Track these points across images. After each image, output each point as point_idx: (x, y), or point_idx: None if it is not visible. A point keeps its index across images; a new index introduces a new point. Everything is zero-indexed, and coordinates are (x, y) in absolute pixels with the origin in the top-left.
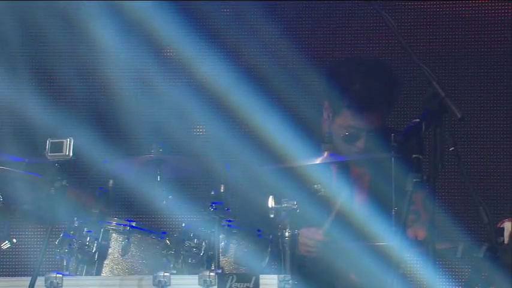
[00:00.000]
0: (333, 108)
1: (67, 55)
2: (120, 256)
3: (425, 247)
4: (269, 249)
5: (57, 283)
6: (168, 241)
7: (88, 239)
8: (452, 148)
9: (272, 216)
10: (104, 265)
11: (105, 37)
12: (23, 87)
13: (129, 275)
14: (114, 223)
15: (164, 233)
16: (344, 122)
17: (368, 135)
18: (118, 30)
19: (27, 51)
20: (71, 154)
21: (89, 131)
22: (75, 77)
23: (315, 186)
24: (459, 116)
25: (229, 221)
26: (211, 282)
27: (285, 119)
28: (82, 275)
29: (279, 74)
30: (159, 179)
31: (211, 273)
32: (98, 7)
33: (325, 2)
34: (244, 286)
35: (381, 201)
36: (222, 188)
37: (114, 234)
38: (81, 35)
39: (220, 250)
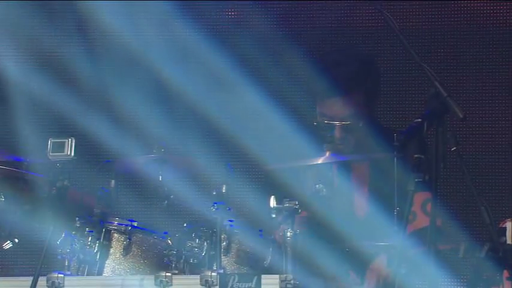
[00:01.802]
0: (314, 101)
1: (68, 55)
2: (121, 256)
3: (427, 247)
4: (271, 249)
5: (59, 283)
6: (169, 241)
7: (90, 239)
8: (454, 148)
9: (274, 216)
10: (106, 265)
11: (107, 37)
12: (24, 87)
13: (130, 275)
14: (115, 223)
15: (166, 233)
16: (319, 111)
17: (344, 124)
18: (120, 30)
19: (29, 51)
20: (73, 154)
21: (91, 130)
22: (76, 77)
23: (317, 186)
24: (461, 116)
25: (231, 220)
26: (213, 282)
27: (287, 118)
28: (84, 275)
29: (280, 73)
30: (160, 179)
31: (213, 273)
32: (99, 7)
33: (327, 1)
34: (246, 286)
35: (382, 201)
36: (224, 188)
37: (115, 234)
38: (82, 35)
39: (222, 250)
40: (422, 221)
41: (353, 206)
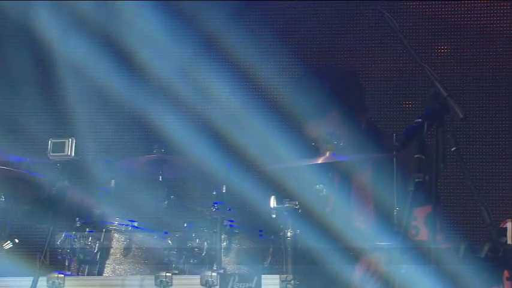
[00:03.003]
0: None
1: (68, 55)
2: (122, 256)
3: (427, 247)
4: (271, 249)
5: (59, 283)
6: (170, 241)
7: (90, 239)
8: (454, 148)
9: (274, 216)
10: (106, 265)
11: (105, 37)
12: (24, 87)
13: (131, 275)
14: (115, 223)
15: (166, 233)
16: (304, 133)
17: (331, 143)
18: (119, 29)
19: (28, 52)
20: (73, 154)
21: (91, 131)
22: (77, 77)
23: (317, 186)
24: (461, 116)
25: (231, 221)
26: (213, 282)
27: (288, 119)
28: (84, 275)
29: (281, 75)
30: (161, 179)
31: (213, 273)
32: (97, 7)
33: (327, 2)
34: (246, 286)
35: (383, 202)
36: (224, 188)
37: (115, 235)
38: (81, 35)
39: (222, 250)
40: (425, 236)
41: (356, 206)
